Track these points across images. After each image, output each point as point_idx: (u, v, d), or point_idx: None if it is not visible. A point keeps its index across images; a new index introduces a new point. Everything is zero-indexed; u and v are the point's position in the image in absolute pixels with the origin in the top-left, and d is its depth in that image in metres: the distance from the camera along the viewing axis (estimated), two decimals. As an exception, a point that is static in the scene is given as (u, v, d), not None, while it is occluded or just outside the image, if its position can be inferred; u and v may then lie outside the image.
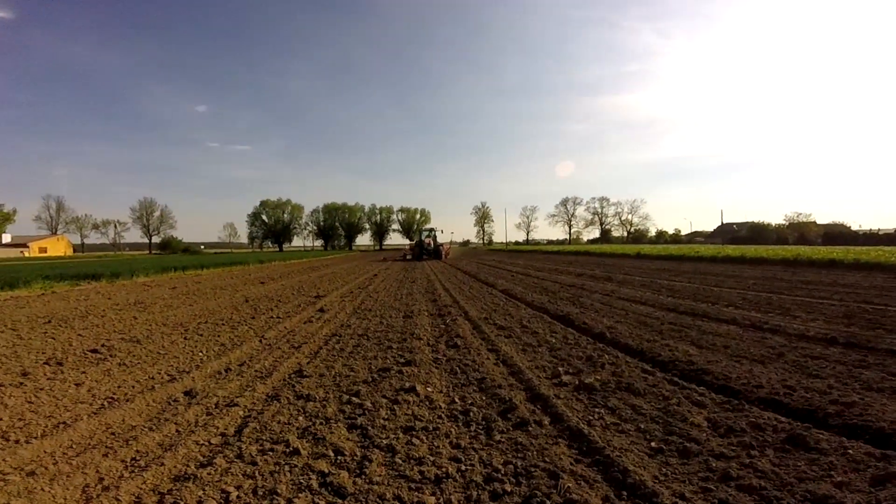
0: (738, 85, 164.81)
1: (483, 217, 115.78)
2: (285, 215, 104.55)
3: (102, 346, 6.11)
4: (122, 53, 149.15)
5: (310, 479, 2.66)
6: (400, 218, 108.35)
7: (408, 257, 37.76)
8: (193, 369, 4.97)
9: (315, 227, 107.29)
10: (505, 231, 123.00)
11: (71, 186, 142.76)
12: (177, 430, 3.43)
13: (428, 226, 54.36)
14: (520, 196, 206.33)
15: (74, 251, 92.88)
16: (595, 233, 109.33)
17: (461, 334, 6.67)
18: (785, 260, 19.86)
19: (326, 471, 2.75)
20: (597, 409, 3.64)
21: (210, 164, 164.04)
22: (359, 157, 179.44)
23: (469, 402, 3.88)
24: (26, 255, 77.43)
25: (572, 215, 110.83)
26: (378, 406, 3.78)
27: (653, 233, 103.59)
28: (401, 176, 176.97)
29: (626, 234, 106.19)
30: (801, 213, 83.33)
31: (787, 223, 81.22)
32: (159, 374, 4.85)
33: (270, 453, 2.99)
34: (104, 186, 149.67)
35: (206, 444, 3.18)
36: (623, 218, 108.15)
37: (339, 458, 2.92)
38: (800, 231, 75.22)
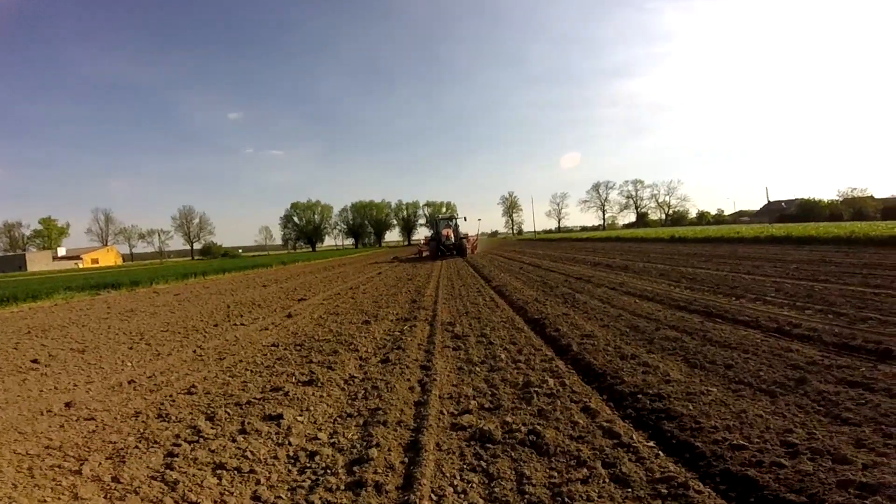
0: (777, 53, 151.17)
1: (511, 206, 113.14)
2: (315, 216, 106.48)
3: (49, 356, 6.46)
4: (156, 66, 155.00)
5: None
6: (426, 213, 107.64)
7: (424, 254, 29.19)
8: (98, 380, 5.11)
9: (345, 226, 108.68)
10: (533, 220, 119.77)
11: (118, 198, 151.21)
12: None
13: (445, 213, 42.04)
14: (551, 185, 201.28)
15: (124, 260, 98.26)
16: (631, 217, 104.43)
17: (405, 346, 5.74)
18: (838, 238, 17.32)
19: None
20: (469, 476, 2.56)
21: (247, 170, 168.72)
22: (388, 155, 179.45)
23: (331, 442, 3.16)
24: (80, 266, 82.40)
25: (605, 200, 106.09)
26: (222, 435, 3.33)
27: (693, 214, 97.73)
28: (429, 171, 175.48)
29: (663, 216, 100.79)
30: (855, 188, 75.37)
31: (841, 199, 73.78)
32: (61, 384, 5.01)
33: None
34: (149, 197, 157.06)
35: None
36: (660, 200, 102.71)
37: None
38: (855, 207, 67.73)
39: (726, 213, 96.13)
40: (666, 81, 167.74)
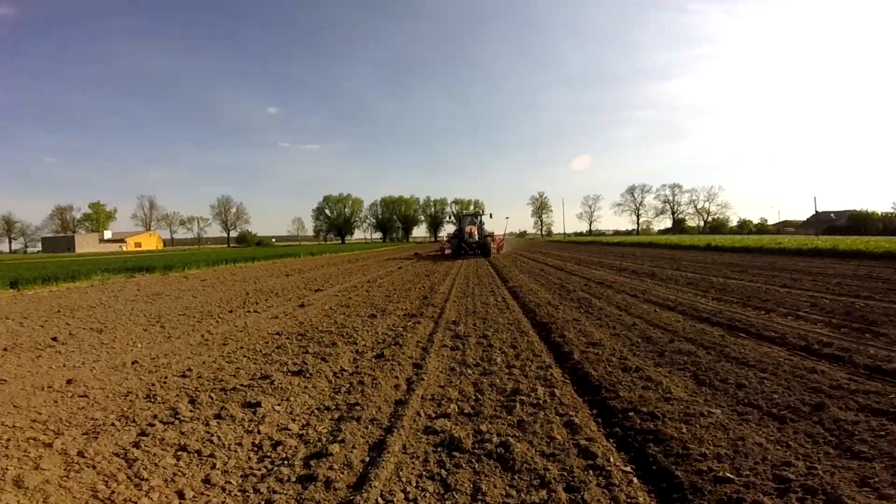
0: (825, 57, 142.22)
1: (541, 207, 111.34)
2: (346, 209, 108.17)
3: (70, 334, 6.70)
4: (199, 62, 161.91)
5: None
6: (454, 209, 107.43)
7: (446, 252, 27.96)
8: (105, 359, 5.26)
9: (374, 220, 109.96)
10: (563, 221, 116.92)
11: (161, 187, 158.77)
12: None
13: (470, 209, 37.05)
14: (582, 188, 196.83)
15: (164, 245, 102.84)
16: (667, 223, 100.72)
17: (404, 342, 5.63)
18: (890, 254, 16.00)
19: None
20: (424, 484, 2.43)
21: (283, 163, 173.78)
22: (418, 153, 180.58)
23: (300, 434, 3.14)
24: (124, 249, 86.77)
25: (640, 204, 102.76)
26: (197, 419, 3.37)
27: (734, 222, 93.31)
28: (458, 170, 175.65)
29: (702, 223, 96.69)
30: None
31: None
32: (70, 362, 5.16)
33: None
34: (190, 186, 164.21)
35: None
36: (699, 206, 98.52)
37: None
38: (911, 220, 63.46)
39: (770, 222, 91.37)
40: (706, 84, 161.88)
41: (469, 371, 4.41)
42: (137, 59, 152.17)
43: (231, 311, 8.53)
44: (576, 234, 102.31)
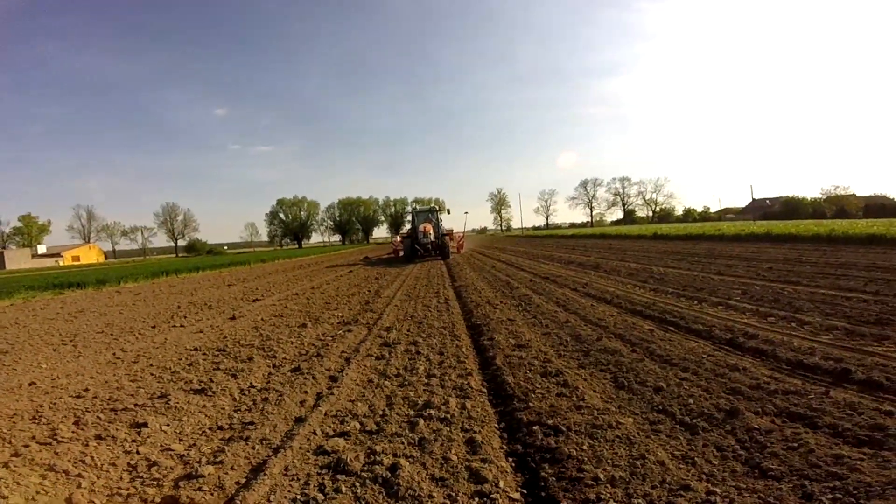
0: (759, 50, 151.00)
1: (500, 203, 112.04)
2: (302, 213, 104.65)
3: None
4: (135, 62, 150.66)
5: None
6: (415, 207, 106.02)
7: (400, 253, 23.81)
8: (2, 381, 5.02)
9: (331, 223, 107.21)
10: (520, 217, 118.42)
11: (101, 196, 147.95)
12: None
13: (422, 206, 33.34)
14: (539, 183, 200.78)
15: (106, 258, 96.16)
16: (618, 214, 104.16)
17: (328, 353, 5.34)
18: (817, 236, 16.98)
19: None
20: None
21: (233, 167, 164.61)
22: (375, 154, 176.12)
23: (181, 454, 3.06)
24: (60, 263, 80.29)
25: (593, 197, 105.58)
26: (77, 440, 3.27)
27: (679, 211, 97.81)
28: (418, 169, 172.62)
29: (650, 213, 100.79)
30: (838, 186, 75.48)
31: (825, 197, 74.05)
32: None
33: None
34: (133, 194, 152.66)
35: None
36: (647, 197, 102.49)
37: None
38: (838, 205, 67.84)
39: (712, 210, 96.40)
40: (652, 80, 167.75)
41: (386, 383, 4.12)
42: (67, 62, 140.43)
43: (154, 327, 8.08)
44: (534, 228, 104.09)
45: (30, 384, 4.77)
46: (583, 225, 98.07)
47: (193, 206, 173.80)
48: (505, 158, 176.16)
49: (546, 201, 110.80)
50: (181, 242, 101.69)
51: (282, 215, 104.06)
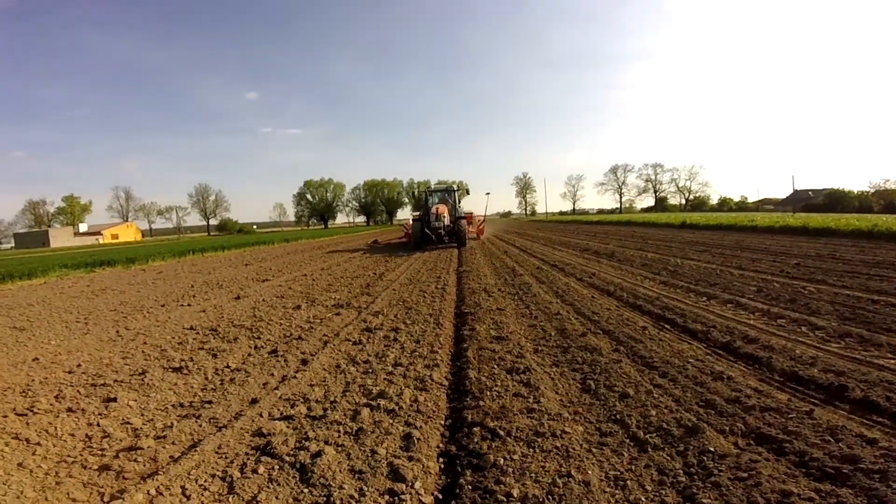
0: (804, 38, 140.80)
1: (525, 187, 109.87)
2: (328, 194, 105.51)
3: None
4: (173, 49, 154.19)
5: None
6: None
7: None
8: (11, 356, 5.23)
9: (357, 204, 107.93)
10: (545, 201, 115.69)
11: (138, 177, 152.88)
12: None
13: (438, 184, 27.92)
14: (567, 167, 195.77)
15: (143, 236, 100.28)
16: (649, 201, 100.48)
17: (310, 336, 5.40)
18: (858, 231, 15.70)
19: None
20: (210, 484, 2.20)
21: (264, 149, 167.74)
22: (403, 136, 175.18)
23: (137, 428, 3.25)
24: (100, 241, 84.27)
25: (622, 183, 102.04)
26: (50, 411, 3.48)
27: (715, 200, 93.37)
28: (443, 152, 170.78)
29: (683, 201, 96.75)
30: (888, 180, 69.88)
31: (873, 190, 68.99)
32: None
33: None
34: (169, 175, 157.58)
35: None
36: (680, 185, 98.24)
37: None
38: (887, 199, 63.18)
39: (750, 200, 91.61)
40: (687, 65, 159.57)
41: (352, 369, 4.08)
42: (107, 49, 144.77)
43: (164, 306, 8.28)
44: (560, 213, 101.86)
45: (33, 360, 5.00)
46: (611, 211, 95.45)
47: (226, 186, 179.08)
48: (532, 143, 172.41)
49: (573, 186, 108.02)
50: (213, 222, 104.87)
51: (308, 196, 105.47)
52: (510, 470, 2.25)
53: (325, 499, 2.17)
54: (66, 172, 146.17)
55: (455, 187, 20.88)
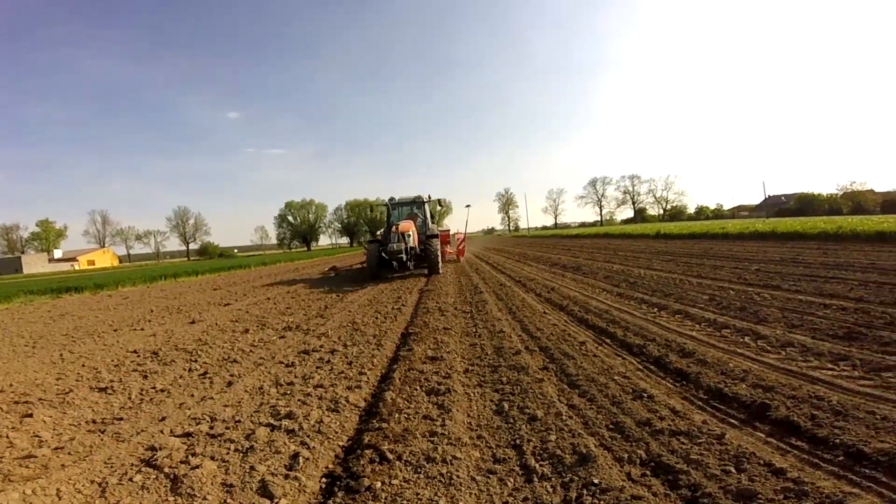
0: (773, 43, 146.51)
1: (507, 203, 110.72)
2: (310, 215, 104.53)
3: None
4: (153, 67, 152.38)
5: None
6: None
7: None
8: None
9: (339, 225, 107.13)
10: (527, 216, 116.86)
11: (117, 201, 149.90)
12: None
13: (403, 196, 17.05)
14: (550, 182, 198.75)
15: (120, 262, 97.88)
16: (628, 212, 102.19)
17: (244, 359, 5.25)
18: (824, 234, 15.99)
19: None
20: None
21: (247, 170, 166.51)
22: (388, 154, 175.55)
23: (38, 437, 3.32)
24: (75, 268, 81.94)
25: (602, 195, 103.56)
26: None
27: (692, 209, 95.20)
28: (428, 172, 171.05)
29: (661, 211, 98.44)
30: (855, 182, 72.58)
31: (841, 192, 71.35)
32: None
33: None
34: (149, 198, 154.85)
35: None
36: (657, 195, 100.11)
37: None
38: (855, 200, 65.32)
39: (725, 207, 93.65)
40: (661, 76, 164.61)
41: (273, 391, 3.99)
42: (86, 67, 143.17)
43: (116, 330, 8.12)
44: (542, 228, 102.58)
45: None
46: (592, 224, 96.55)
47: (208, 208, 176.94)
48: (514, 159, 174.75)
49: (554, 200, 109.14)
50: (193, 246, 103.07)
51: (290, 218, 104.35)
52: (383, 495, 2.20)
53: (185, 500, 2.28)
54: (42, 195, 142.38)
55: (426, 198, 16.38)
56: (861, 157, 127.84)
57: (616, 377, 3.39)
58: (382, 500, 2.15)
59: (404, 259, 13.07)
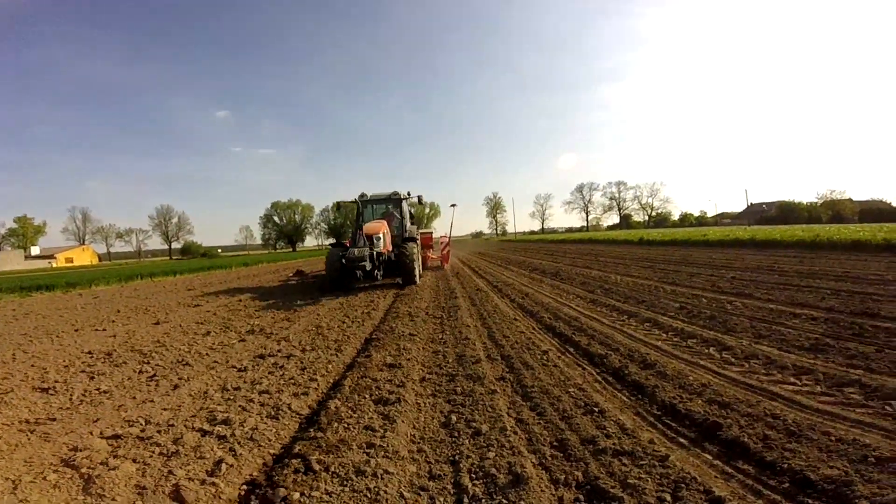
0: (756, 53, 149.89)
1: (495, 208, 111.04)
2: (296, 216, 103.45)
3: None
4: (139, 66, 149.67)
5: None
6: (411, 212, 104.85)
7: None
8: None
9: (325, 226, 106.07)
10: (514, 222, 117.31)
11: (100, 199, 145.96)
12: None
13: (377, 193, 14.38)
14: (539, 188, 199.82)
15: (100, 260, 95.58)
16: (615, 218, 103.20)
17: (197, 363, 5.03)
18: (801, 242, 16.16)
19: None
20: None
21: (234, 170, 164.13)
22: (379, 161, 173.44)
23: None
24: (53, 265, 79.73)
25: (588, 202, 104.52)
26: None
27: (676, 216, 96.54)
28: (421, 178, 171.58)
29: (646, 217, 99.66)
30: (834, 191, 74.57)
31: (821, 201, 73.19)
32: None
33: None
34: (134, 197, 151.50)
35: None
36: (643, 202, 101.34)
37: None
38: (834, 209, 67.04)
39: (709, 214, 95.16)
40: (648, 85, 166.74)
41: (217, 396, 3.86)
42: (72, 66, 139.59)
43: (77, 330, 7.86)
44: (530, 232, 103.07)
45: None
46: (579, 230, 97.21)
47: (194, 208, 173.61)
48: (505, 165, 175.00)
49: (542, 205, 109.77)
50: (176, 245, 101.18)
51: (276, 218, 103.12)
52: None
53: (94, 500, 2.25)
54: (22, 193, 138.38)
55: (404, 195, 13.99)
56: (840, 166, 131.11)
57: (571, 389, 3.23)
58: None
59: (368, 268, 10.65)
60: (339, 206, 16.70)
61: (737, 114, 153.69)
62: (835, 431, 2.29)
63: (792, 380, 3.21)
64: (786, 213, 67.79)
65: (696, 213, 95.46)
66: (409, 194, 14.15)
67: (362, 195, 13.84)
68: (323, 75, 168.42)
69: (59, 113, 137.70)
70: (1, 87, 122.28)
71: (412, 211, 15.27)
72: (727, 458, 2.19)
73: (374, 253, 10.90)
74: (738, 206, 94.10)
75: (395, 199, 13.90)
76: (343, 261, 10.76)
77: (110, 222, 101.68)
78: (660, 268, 11.99)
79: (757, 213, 75.83)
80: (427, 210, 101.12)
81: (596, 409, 2.82)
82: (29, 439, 3.13)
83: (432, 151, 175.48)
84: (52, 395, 4.16)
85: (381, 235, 11.37)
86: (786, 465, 1.98)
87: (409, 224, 13.92)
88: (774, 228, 28.44)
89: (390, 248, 11.82)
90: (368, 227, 11.64)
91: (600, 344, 4.49)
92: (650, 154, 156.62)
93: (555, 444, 2.44)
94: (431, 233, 17.98)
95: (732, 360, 3.79)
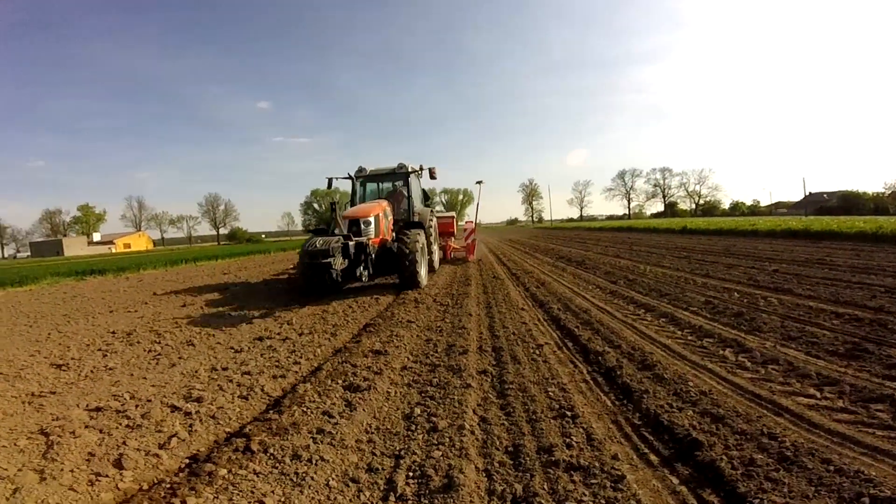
0: (818, 35, 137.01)
1: (531, 194, 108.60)
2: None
3: None
4: (186, 60, 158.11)
5: None
6: (443, 200, 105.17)
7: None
8: None
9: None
10: (550, 208, 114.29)
11: (152, 186, 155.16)
12: None
13: (378, 168, 10.99)
14: (575, 173, 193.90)
15: (155, 245, 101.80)
16: (659, 206, 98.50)
17: (178, 347, 4.76)
18: (862, 234, 14.68)
19: None
20: None
21: (275, 159, 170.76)
22: (411, 144, 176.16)
23: None
24: (112, 251, 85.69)
25: (630, 188, 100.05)
26: None
27: (726, 205, 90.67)
28: (452, 159, 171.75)
29: (693, 206, 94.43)
30: None
31: (888, 191, 66.50)
32: None
33: None
34: (183, 185, 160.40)
35: None
36: (690, 189, 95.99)
37: None
38: (903, 200, 61.19)
39: (763, 204, 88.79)
40: (693, 67, 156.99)
41: (204, 375, 3.92)
42: (120, 59, 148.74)
43: (112, 312, 8.21)
44: (568, 220, 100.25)
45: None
46: (620, 217, 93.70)
47: (238, 195, 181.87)
48: (538, 149, 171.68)
49: (580, 192, 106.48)
50: (223, 231, 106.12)
51: (315, 205, 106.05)
52: (219, 483, 2.12)
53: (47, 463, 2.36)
54: (82, 182, 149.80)
55: (413, 168, 11.00)
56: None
57: (552, 389, 2.94)
58: (214, 488, 2.08)
59: (337, 265, 7.33)
60: (330, 183, 11.34)
61: (794, 98, 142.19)
62: (837, 459, 1.89)
63: (811, 391, 2.76)
64: (849, 203, 61.96)
65: (749, 202, 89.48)
66: (421, 168, 11.14)
67: (360, 170, 10.87)
68: (356, 62, 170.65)
69: (109, 106, 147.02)
70: (57, 79, 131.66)
71: (425, 190, 12.37)
72: (695, 485, 1.85)
73: (355, 244, 7.72)
74: (796, 196, 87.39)
75: (401, 174, 10.80)
76: (312, 259, 7.40)
77: (163, 210, 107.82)
78: (696, 259, 11.18)
79: (816, 203, 69.94)
80: (461, 197, 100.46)
81: (569, 414, 2.53)
82: (24, 410, 3.26)
83: (463, 133, 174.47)
84: (63, 371, 4.31)
85: (370, 219, 8.42)
86: (756, 501, 1.62)
87: (417, 205, 10.99)
88: (832, 219, 26.12)
89: (391, 237, 9.03)
90: (355, 209, 9.01)
91: (603, 340, 4.13)
92: (697, 139, 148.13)
93: (509, 449, 2.19)
94: (453, 217, 14.60)
95: (747, 364, 3.34)
